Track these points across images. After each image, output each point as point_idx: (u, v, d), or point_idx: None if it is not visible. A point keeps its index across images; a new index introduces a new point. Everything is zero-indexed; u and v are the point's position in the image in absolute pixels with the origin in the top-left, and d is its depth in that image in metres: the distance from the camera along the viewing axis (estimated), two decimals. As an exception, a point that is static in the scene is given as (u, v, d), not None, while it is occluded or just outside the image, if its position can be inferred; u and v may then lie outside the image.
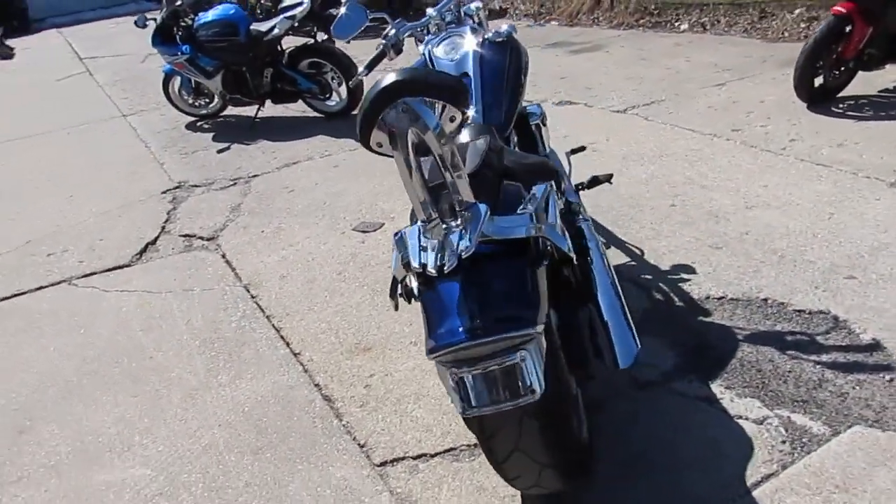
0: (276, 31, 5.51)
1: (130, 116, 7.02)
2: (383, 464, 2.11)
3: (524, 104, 2.72)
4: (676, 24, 7.39)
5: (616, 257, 3.02)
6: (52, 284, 3.58)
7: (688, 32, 7.09)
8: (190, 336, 2.92)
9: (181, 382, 2.63)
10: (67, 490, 2.18)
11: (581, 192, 3.06)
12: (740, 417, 2.08)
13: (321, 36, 5.74)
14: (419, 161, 1.45)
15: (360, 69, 2.56)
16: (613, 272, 2.12)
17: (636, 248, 3.07)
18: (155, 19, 6.00)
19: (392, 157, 1.43)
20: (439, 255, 1.44)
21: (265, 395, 2.50)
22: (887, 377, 2.14)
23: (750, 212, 3.22)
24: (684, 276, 2.80)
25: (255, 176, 4.79)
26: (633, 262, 2.97)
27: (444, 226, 1.49)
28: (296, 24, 5.51)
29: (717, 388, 2.21)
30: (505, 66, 2.51)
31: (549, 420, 1.60)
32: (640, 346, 1.91)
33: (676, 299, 2.68)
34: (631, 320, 1.96)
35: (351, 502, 1.99)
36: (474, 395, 1.49)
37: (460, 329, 1.46)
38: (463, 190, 1.48)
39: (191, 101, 6.33)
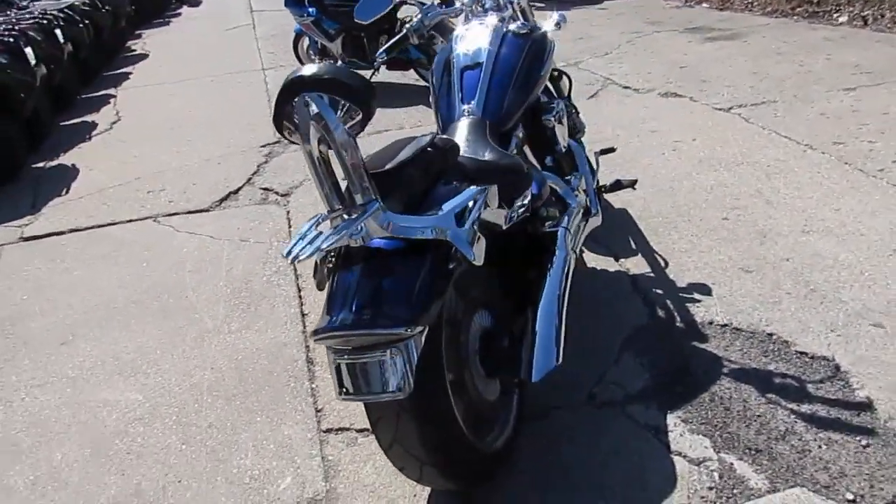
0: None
1: (268, 70, 7.55)
2: (328, 430, 2.24)
3: (547, 98, 2.66)
4: (835, 15, 6.66)
5: (637, 265, 2.90)
6: (140, 219, 4.04)
7: (845, 26, 6.38)
8: (225, 283, 3.20)
9: (199, 324, 2.91)
10: (74, 401, 2.53)
11: (607, 194, 2.98)
12: (679, 454, 1.98)
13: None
14: (323, 153, 1.52)
15: (379, 51, 2.63)
16: (567, 283, 2.08)
17: (662, 259, 2.93)
18: (289, -19, 6.38)
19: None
20: (304, 245, 1.49)
21: (260, 347, 2.70)
22: (862, 442, 1.93)
23: (804, 237, 2.94)
24: (697, 296, 2.64)
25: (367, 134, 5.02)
26: (651, 274, 2.84)
27: (337, 218, 1.55)
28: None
29: (672, 419, 2.10)
30: (518, 60, 2.46)
31: (427, 419, 1.63)
32: (559, 362, 1.88)
33: (677, 320, 2.54)
34: (562, 336, 1.93)
35: (285, 459, 2.14)
36: (347, 382, 1.57)
37: (340, 318, 1.53)
38: (360, 185, 1.53)
39: (316, 61, 6.69)
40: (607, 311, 2.64)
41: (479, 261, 1.69)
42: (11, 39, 4.86)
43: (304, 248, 1.45)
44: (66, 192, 4.61)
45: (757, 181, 3.51)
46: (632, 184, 2.92)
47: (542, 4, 9.54)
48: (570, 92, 3.24)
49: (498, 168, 2.01)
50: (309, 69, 1.53)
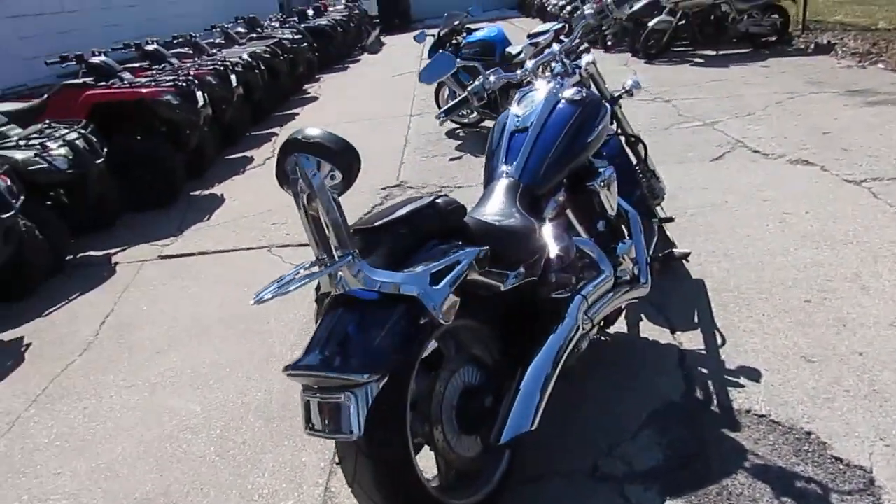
0: (521, 54, 5.84)
1: (414, 116, 8.02)
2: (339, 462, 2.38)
3: (599, 163, 2.66)
4: None
5: (692, 340, 2.77)
6: (258, 248, 4.48)
7: None
8: (304, 314, 3.48)
9: (269, 348, 3.20)
10: (146, 405, 2.88)
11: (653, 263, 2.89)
12: (661, 545, 1.89)
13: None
14: (313, 206, 1.69)
15: (440, 111, 2.78)
16: (565, 354, 2.07)
17: (721, 336, 2.77)
18: (433, 35, 6.80)
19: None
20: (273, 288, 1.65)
21: (311, 377, 2.91)
22: (871, 568, 1.73)
23: (888, 330, 2.66)
24: (743, 380, 2.48)
25: (458, 187, 5.23)
26: (703, 351, 2.70)
27: (318, 265, 1.72)
28: (536, 51, 5.76)
29: (669, 506, 2.01)
30: (564, 126, 2.51)
31: (382, 465, 1.72)
32: (533, 427, 1.88)
33: (714, 403, 2.41)
34: (543, 403, 1.93)
35: (294, 483, 2.31)
36: (311, 418, 1.71)
37: (308, 357, 1.69)
38: (339, 237, 1.68)
39: (469, 112, 7.02)
40: (643, 382, 2.56)
41: (446, 320, 1.76)
42: (185, 84, 5.65)
43: (271, 290, 1.63)
44: (208, 219, 5.23)
45: (860, 263, 3.21)
46: (684, 256, 2.82)
47: (702, 61, 9.31)
48: (646, 157, 3.20)
49: (500, 231, 2.08)
50: (302, 132, 1.72)
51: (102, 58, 5.79)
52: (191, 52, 8.10)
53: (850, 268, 3.18)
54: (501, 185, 2.44)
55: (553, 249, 2.27)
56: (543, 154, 2.47)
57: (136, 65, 6.85)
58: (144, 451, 2.58)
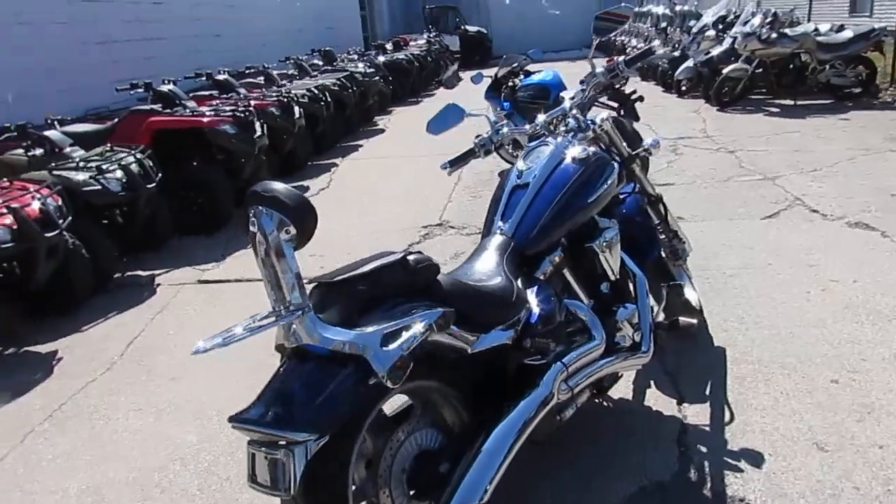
0: (575, 100, 5.77)
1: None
2: None
3: (603, 223, 2.57)
4: None
5: (698, 415, 2.62)
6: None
7: None
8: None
9: (275, 383, 3.21)
10: (148, 430, 2.95)
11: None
12: None
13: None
14: (269, 258, 1.71)
15: (445, 161, 2.76)
16: (532, 425, 1.98)
17: (731, 412, 2.61)
18: (490, 77, 6.82)
19: None
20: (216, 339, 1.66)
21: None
22: None
23: (916, 422, 2.43)
24: (744, 465, 2.31)
25: (498, 229, 5.18)
26: (706, 427, 2.54)
27: (272, 317, 1.72)
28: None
29: None
30: (564, 186, 2.45)
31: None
32: (484, 500, 1.81)
33: (705, 487, 2.25)
34: (498, 475, 1.85)
35: (263, 528, 2.30)
36: (253, 470, 1.70)
37: (252, 410, 1.68)
38: (288, 291, 1.69)
39: (510, 151, 7.00)
40: (634, 456, 2.43)
41: (393, 383, 1.71)
42: (243, 114, 5.87)
43: (215, 341, 1.64)
44: (248, 247, 5.36)
45: (901, 343, 2.96)
46: (690, 326, 2.68)
47: (777, 110, 8.97)
48: (666, 216, 3.08)
49: (473, 292, 2.03)
50: (263, 185, 1.74)
51: (170, 86, 6.10)
52: (262, 82, 8.43)
53: (891, 348, 2.94)
54: (493, 242, 2.39)
55: (535, 313, 2.19)
56: (539, 213, 2.40)
57: (207, 93, 7.19)
58: (134, 479, 2.63)
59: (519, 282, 2.27)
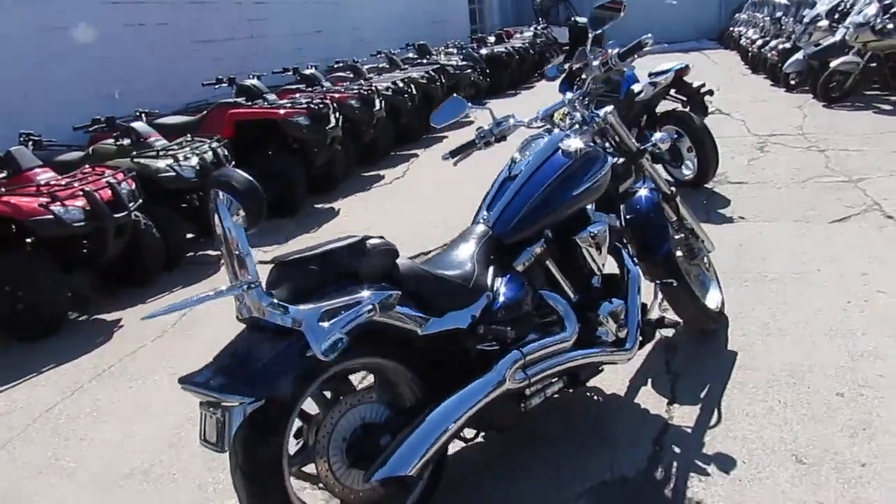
0: (642, 94, 5.65)
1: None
2: None
3: (596, 216, 2.57)
4: None
5: (684, 417, 2.57)
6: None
7: None
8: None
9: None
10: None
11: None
12: None
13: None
14: (224, 237, 1.88)
15: (447, 152, 2.83)
16: (472, 410, 2.04)
17: (719, 416, 2.54)
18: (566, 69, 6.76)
19: None
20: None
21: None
22: None
23: (915, 443, 2.27)
24: (713, 469, 2.26)
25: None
26: (688, 429, 2.49)
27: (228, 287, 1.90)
28: (656, 90, 5.54)
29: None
30: (550, 178, 2.47)
31: (253, 486, 1.85)
32: (410, 474, 1.90)
33: (667, 487, 2.22)
34: (432, 450, 1.95)
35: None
36: (201, 428, 1.88)
37: (200, 374, 1.86)
38: (240, 266, 1.85)
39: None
40: (606, 451, 2.43)
41: (326, 357, 1.83)
42: (318, 106, 6.17)
43: (160, 309, 1.83)
44: (315, 231, 5.67)
45: (931, 361, 2.75)
46: (673, 325, 2.61)
47: (890, 108, 8.29)
48: (682, 214, 3.01)
49: (431, 278, 2.11)
50: (221, 172, 1.92)
51: (253, 81, 6.51)
52: (351, 75, 8.77)
53: (916, 366, 2.74)
54: (473, 231, 2.46)
55: (499, 301, 2.25)
56: (521, 204, 2.44)
57: (295, 87, 7.59)
58: (152, 436, 2.91)
59: (490, 270, 2.33)
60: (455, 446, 2.32)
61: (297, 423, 2.02)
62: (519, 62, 14.62)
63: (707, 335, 3.12)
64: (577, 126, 2.76)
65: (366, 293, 1.94)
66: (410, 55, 11.10)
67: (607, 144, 2.85)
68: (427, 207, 6.01)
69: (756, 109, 8.93)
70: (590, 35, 2.95)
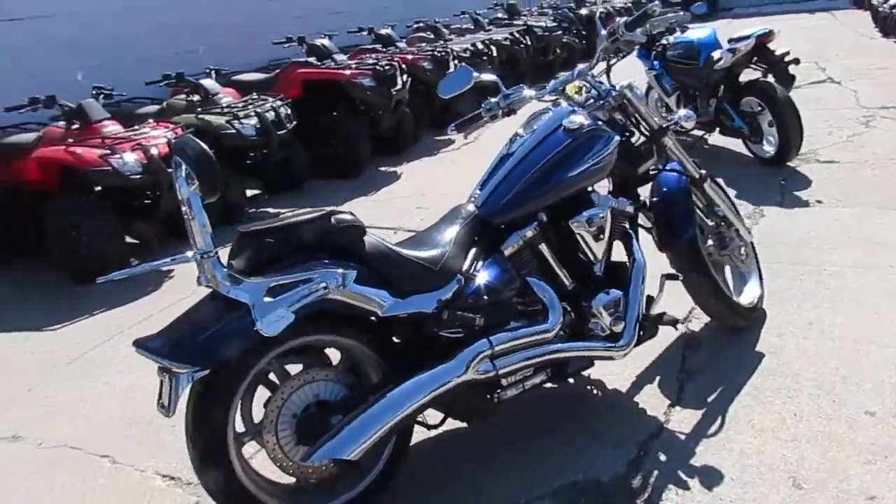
0: (721, 61, 5.21)
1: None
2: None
3: (599, 199, 2.38)
4: None
5: (682, 421, 2.38)
6: (387, 228, 4.74)
7: None
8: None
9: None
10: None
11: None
12: None
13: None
14: (183, 206, 1.88)
15: (452, 124, 2.69)
16: (429, 396, 1.97)
17: (720, 425, 2.33)
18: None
19: None
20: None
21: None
22: None
23: (937, 477, 1.98)
24: (695, 483, 2.08)
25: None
26: (683, 435, 2.30)
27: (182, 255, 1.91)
28: (735, 58, 5.08)
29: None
30: (545, 156, 2.32)
31: (201, 450, 1.87)
32: (350, 458, 1.87)
33: (641, 497, 2.06)
34: (375, 436, 1.91)
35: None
36: (160, 394, 1.91)
37: (152, 340, 1.87)
38: (195, 236, 1.85)
39: (664, 114, 6.52)
40: (587, 450, 2.29)
41: (269, 333, 1.80)
42: (384, 68, 6.11)
43: (118, 273, 1.86)
44: (373, 194, 5.67)
45: None
46: (673, 322, 2.40)
47: None
48: (709, 199, 2.76)
49: (397, 257, 2.04)
50: (182, 140, 1.90)
51: (324, 40, 6.53)
52: (431, 36, 8.63)
53: (966, 384, 2.39)
54: (461, 210, 2.35)
55: (472, 285, 2.14)
56: (512, 184, 2.30)
57: (370, 46, 7.56)
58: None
59: (471, 253, 2.22)
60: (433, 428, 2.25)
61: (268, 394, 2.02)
62: (620, 22, 13.90)
63: (737, 333, 2.87)
64: (591, 101, 2.56)
65: (320, 270, 1.89)
66: (500, 15, 10.78)
67: (629, 121, 2.63)
68: (469, 171, 5.85)
69: (873, 78, 8.07)
70: (597, 5, 2.71)
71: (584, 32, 12.27)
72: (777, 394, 2.47)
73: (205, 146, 1.87)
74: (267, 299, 1.82)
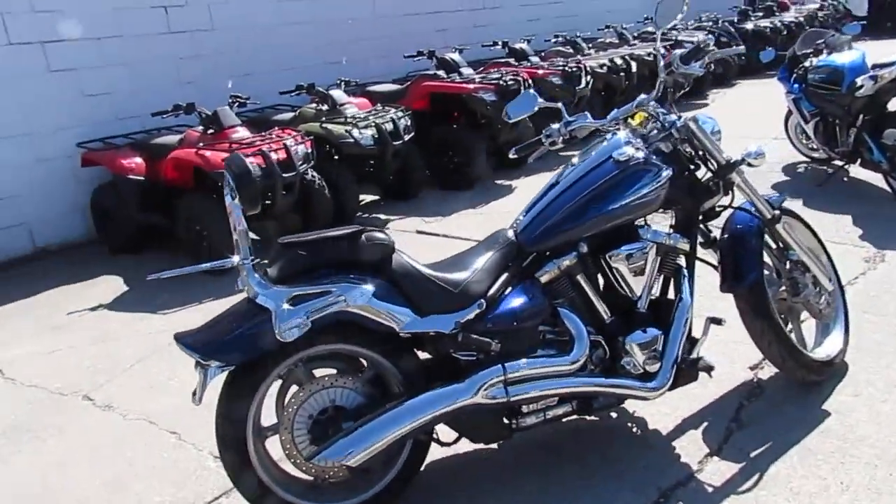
0: (862, 88, 4.77)
1: (774, 140, 7.10)
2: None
3: (646, 234, 2.33)
4: None
5: (716, 474, 2.27)
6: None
7: None
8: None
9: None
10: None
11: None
12: None
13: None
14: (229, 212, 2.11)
15: (513, 150, 2.72)
16: (434, 415, 2.05)
17: (756, 482, 2.19)
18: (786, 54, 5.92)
19: None
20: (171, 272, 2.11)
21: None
22: None
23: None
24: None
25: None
26: (712, 487, 2.19)
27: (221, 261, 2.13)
28: (879, 85, 4.63)
29: None
30: (591, 186, 2.31)
31: (221, 438, 2.08)
32: (350, 463, 2.00)
33: None
34: (376, 447, 2.01)
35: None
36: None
37: (190, 335, 2.09)
38: (238, 246, 2.06)
39: (803, 140, 6.08)
40: (605, 488, 2.25)
41: (285, 340, 1.97)
42: (507, 83, 6.19)
43: (166, 273, 2.11)
44: (481, 206, 5.78)
45: None
46: (707, 369, 2.26)
47: None
48: (783, 242, 2.59)
49: (421, 278, 2.14)
50: (231, 155, 2.13)
51: (453, 54, 6.73)
52: (570, 50, 8.57)
53: None
54: (499, 235, 2.40)
55: (496, 310, 2.18)
56: (552, 213, 2.32)
57: (504, 60, 7.66)
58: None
59: (501, 279, 2.26)
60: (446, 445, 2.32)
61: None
62: (786, 39, 12.94)
63: (807, 388, 2.66)
64: (655, 132, 2.50)
65: (342, 284, 2.03)
66: (649, 29, 10.45)
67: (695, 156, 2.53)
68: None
69: None
70: (657, 32, 2.63)
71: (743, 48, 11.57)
72: (829, 457, 2.28)
73: (249, 164, 2.09)
74: (287, 307, 1.99)
